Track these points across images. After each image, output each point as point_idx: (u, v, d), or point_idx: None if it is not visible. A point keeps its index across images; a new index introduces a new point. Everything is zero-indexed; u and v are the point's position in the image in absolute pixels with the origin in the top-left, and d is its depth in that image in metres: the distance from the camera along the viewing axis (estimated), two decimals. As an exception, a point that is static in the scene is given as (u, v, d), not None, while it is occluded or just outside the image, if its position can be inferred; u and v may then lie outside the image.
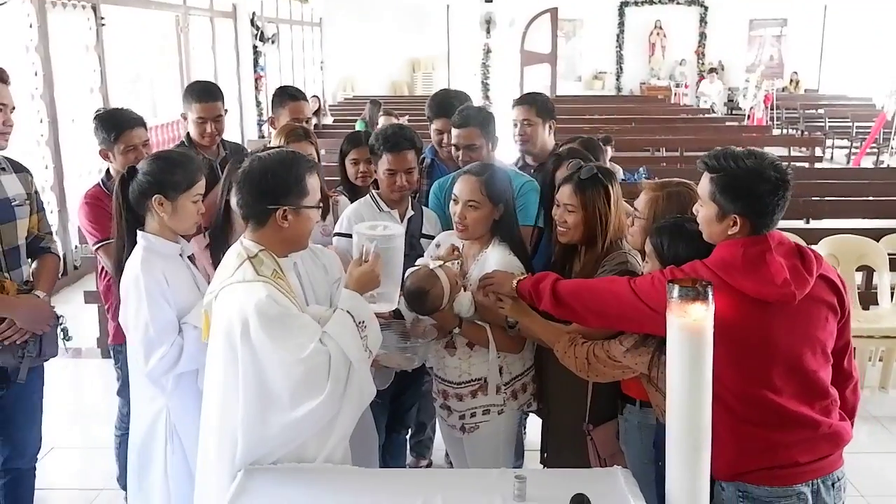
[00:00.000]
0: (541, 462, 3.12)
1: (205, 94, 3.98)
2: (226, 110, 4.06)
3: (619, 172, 7.93)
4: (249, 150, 3.34)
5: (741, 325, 2.13)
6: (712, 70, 20.23)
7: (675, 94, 20.37)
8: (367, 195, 3.38)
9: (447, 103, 3.95)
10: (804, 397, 2.24)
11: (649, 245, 2.48)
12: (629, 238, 2.70)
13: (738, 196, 2.19)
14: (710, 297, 1.95)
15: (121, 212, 2.69)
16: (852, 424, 2.36)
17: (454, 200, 2.91)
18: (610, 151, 7.81)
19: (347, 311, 2.37)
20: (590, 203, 2.76)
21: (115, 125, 3.38)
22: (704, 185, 2.26)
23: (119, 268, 2.71)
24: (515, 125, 3.92)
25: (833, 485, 2.30)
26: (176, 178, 2.64)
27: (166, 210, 2.63)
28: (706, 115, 15.76)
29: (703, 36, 21.17)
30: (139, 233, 2.65)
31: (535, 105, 3.92)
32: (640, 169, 8.60)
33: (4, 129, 2.96)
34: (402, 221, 3.32)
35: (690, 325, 1.98)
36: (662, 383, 2.39)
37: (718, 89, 19.03)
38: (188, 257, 2.76)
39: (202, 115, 3.89)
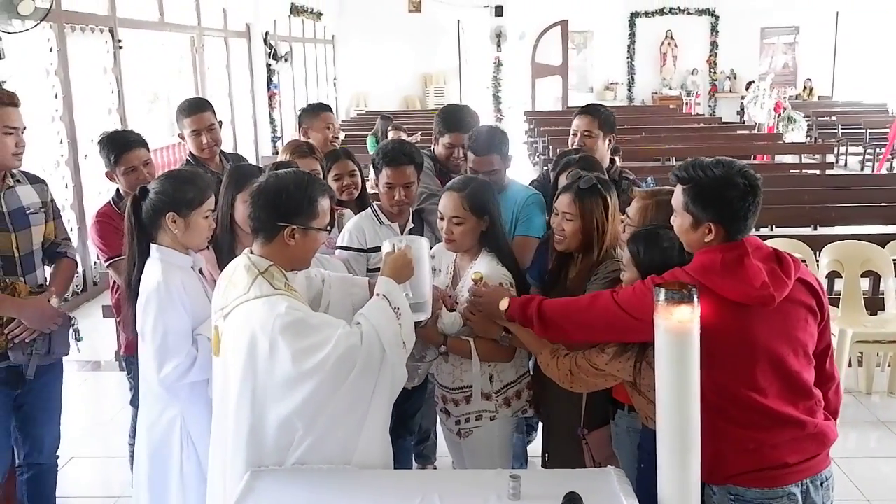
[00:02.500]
0: (542, 465, 3.19)
1: (193, 107, 4.12)
2: (220, 122, 4.17)
3: (628, 182, 7.97)
4: (263, 166, 3.45)
5: (723, 328, 2.18)
6: (748, 84, 19.57)
7: (687, 104, 20.34)
8: (369, 209, 3.48)
9: (459, 117, 4.01)
10: (789, 397, 2.28)
11: (626, 253, 2.54)
12: (622, 245, 2.76)
13: (709, 204, 2.25)
14: (696, 299, 2.02)
15: (132, 229, 2.77)
16: (835, 425, 2.41)
17: (440, 217, 2.98)
18: (618, 161, 7.83)
19: (384, 296, 2.45)
20: (588, 212, 2.83)
21: (116, 146, 3.50)
22: (677, 197, 2.33)
23: (129, 283, 2.79)
24: (575, 134, 3.95)
25: (822, 484, 2.35)
26: (188, 195, 2.71)
27: (179, 227, 2.70)
28: (717, 125, 15.74)
29: (714, 45, 21.14)
30: (153, 246, 2.73)
31: (598, 117, 3.95)
32: (649, 178, 8.60)
33: (17, 150, 3.09)
34: (402, 234, 3.40)
35: (677, 327, 2.03)
36: (646, 388, 2.47)
37: (768, 108, 18.66)
38: (199, 270, 2.84)
39: (195, 126, 4.03)
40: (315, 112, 4.30)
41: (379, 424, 2.41)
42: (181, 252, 2.75)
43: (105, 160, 3.53)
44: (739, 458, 2.28)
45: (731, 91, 21.08)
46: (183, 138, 4.16)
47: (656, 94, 21.42)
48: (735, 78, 21.08)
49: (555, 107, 19.02)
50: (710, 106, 21.09)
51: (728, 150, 11.62)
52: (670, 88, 21.31)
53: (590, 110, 4.01)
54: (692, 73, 21.30)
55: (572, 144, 3.98)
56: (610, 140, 4.00)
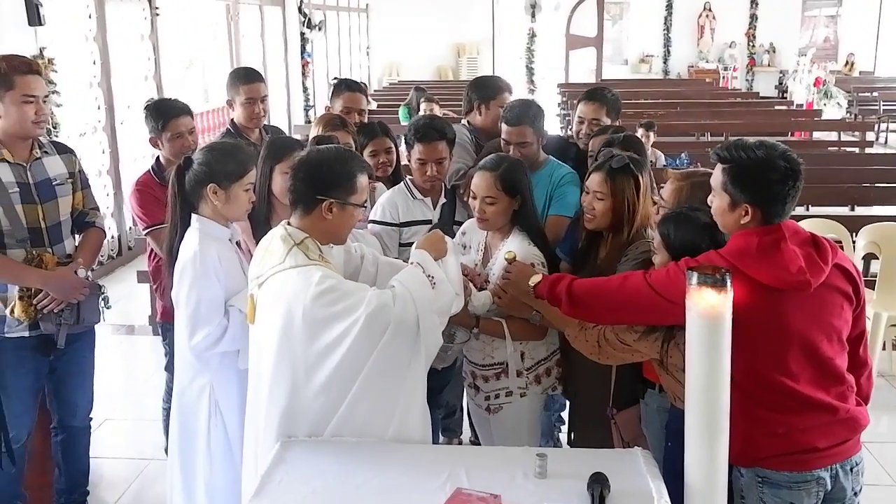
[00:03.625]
0: (567, 443, 3.20)
1: (250, 76, 4.18)
2: (267, 93, 4.22)
3: (661, 158, 7.90)
4: (300, 137, 3.46)
5: (757, 312, 2.16)
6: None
7: (724, 78, 20.01)
8: (402, 183, 3.48)
9: (501, 82, 4.01)
10: (820, 383, 2.26)
11: (657, 236, 2.52)
12: (654, 226, 2.73)
13: (748, 185, 2.23)
14: (729, 283, 2.00)
15: (175, 199, 2.81)
16: (867, 410, 2.38)
17: (472, 196, 2.97)
18: (652, 137, 7.75)
19: (418, 264, 2.47)
20: (619, 191, 2.80)
21: (163, 114, 3.55)
22: (717, 176, 2.30)
23: (171, 251, 2.83)
24: (582, 122, 3.88)
25: (851, 469, 2.33)
26: (229, 167, 2.75)
27: (220, 198, 2.74)
28: (755, 100, 15.48)
29: (753, 18, 20.68)
30: (194, 216, 2.77)
31: (606, 104, 3.89)
32: (683, 154, 8.51)
33: (38, 118, 3.09)
34: (434, 209, 3.43)
35: (709, 310, 2.02)
36: (674, 368, 2.46)
37: (808, 83, 18.19)
38: (236, 243, 2.87)
39: (250, 95, 4.07)
40: (338, 91, 4.27)
41: (417, 396, 2.42)
42: (220, 223, 2.79)
43: (151, 126, 3.57)
44: (769, 442, 2.27)
45: (769, 65, 20.67)
46: (231, 105, 4.18)
47: (692, 67, 21.09)
48: (774, 52, 20.66)
49: (589, 79, 18.82)
50: (747, 80, 20.71)
51: (765, 127, 11.49)
52: (707, 62, 20.96)
53: (597, 97, 3.94)
54: (730, 46, 20.91)
55: (578, 132, 3.92)
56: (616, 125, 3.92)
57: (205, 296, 2.67)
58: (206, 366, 2.79)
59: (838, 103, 13.60)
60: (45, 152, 3.24)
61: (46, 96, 3.17)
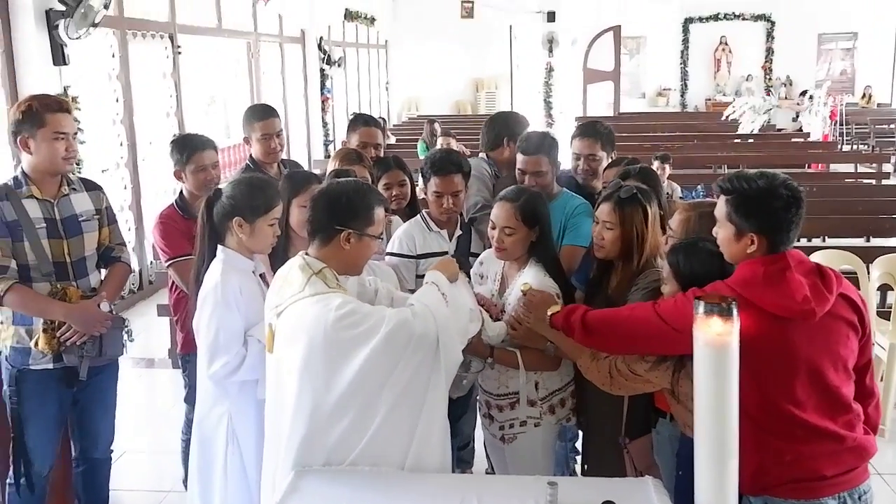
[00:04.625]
0: (581, 473, 3.20)
1: (264, 112, 4.26)
2: (282, 128, 4.31)
3: (677, 190, 7.91)
4: (318, 172, 3.52)
5: (763, 340, 2.19)
6: (802, 93, 19.12)
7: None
8: (418, 216, 3.55)
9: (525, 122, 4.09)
10: (827, 411, 2.28)
11: (666, 266, 2.56)
12: (663, 256, 2.77)
13: (752, 214, 2.27)
14: (735, 312, 2.03)
15: (204, 229, 2.89)
16: (875, 439, 2.39)
17: (491, 226, 3.02)
18: (668, 169, 7.80)
19: (432, 283, 2.52)
20: (627, 221, 2.85)
21: (187, 147, 3.64)
22: (720, 207, 2.34)
23: (198, 280, 2.89)
24: (578, 158, 3.92)
25: (860, 498, 2.33)
26: (255, 202, 2.82)
27: (245, 231, 2.81)
28: (771, 133, 15.49)
29: (769, 51, 20.81)
30: (219, 247, 2.84)
31: (600, 139, 3.92)
32: (699, 187, 8.56)
33: (68, 154, 3.19)
34: (451, 241, 3.48)
35: (716, 339, 2.04)
36: (685, 397, 2.48)
37: (823, 116, 18.08)
38: (259, 275, 2.93)
39: (266, 131, 4.15)
40: (355, 126, 4.34)
41: (437, 419, 2.43)
42: (244, 256, 2.86)
43: (176, 158, 3.65)
44: (777, 470, 2.29)
45: (786, 98, 20.69)
46: (248, 142, 4.28)
47: (710, 100, 21.17)
48: (791, 84, 20.70)
49: (606, 113, 18.88)
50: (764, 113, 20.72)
51: (782, 159, 11.50)
52: (724, 95, 21.02)
53: (589, 132, 3.96)
54: (747, 80, 20.99)
55: (575, 169, 3.96)
56: (612, 157, 3.96)
57: (224, 325, 2.73)
58: (226, 394, 2.84)
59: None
60: (74, 189, 3.32)
61: (75, 134, 3.27)
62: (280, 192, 3.13)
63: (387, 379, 2.33)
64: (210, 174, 3.63)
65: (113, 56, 7.83)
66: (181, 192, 3.74)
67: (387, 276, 3.05)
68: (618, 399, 2.81)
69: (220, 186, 2.94)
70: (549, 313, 2.72)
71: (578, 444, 3.25)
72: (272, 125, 4.19)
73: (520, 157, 3.61)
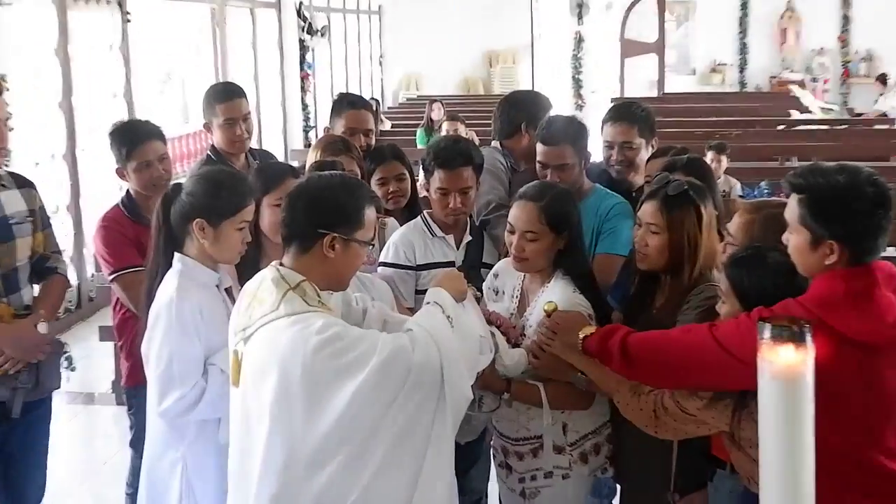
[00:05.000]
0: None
1: (227, 92, 4.27)
2: (250, 111, 4.32)
3: (736, 187, 7.94)
4: (296, 164, 3.51)
5: (845, 374, 2.17)
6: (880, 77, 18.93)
7: (813, 91, 20.03)
8: (419, 217, 3.53)
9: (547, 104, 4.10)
10: (927, 462, 2.25)
11: (725, 281, 2.54)
12: (720, 267, 2.74)
13: (831, 218, 2.25)
14: (810, 338, 2.00)
15: (159, 232, 2.88)
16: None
17: (509, 230, 3.00)
18: (724, 161, 7.85)
19: (435, 303, 2.51)
20: (677, 224, 2.83)
21: (128, 140, 3.62)
22: (792, 209, 2.33)
23: (150, 296, 2.87)
24: (611, 147, 3.92)
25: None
26: (221, 201, 2.80)
27: (208, 236, 2.79)
28: (849, 117, 15.48)
29: (846, 19, 20.77)
30: (176, 255, 2.82)
31: (636, 123, 3.90)
32: (762, 183, 8.55)
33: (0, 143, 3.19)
34: (458, 248, 3.48)
35: (786, 372, 2.02)
36: (748, 443, 2.45)
37: None
38: (225, 290, 2.91)
39: (229, 115, 4.15)
40: (340, 109, 4.34)
41: (443, 468, 2.41)
42: (207, 266, 2.84)
43: (116, 154, 3.64)
44: (861, 533, 2.26)
45: (866, 75, 20.66)
46: (209, 129, 4.29)
47: (774, 78, 21.15)
48: (872, 59, 20.66)
49: (648, 92, 18.90)
50: (840, 94, 20.72)
51: (862, 150, 11.47)
52: (791, 72, 21.00)
53: (624, 115, 3.95)
54: (819, 54, 20.96)
55: (607, 160, 3.95)
56: (652, 146, 3.94)
57: (179, 352, 2.71)
58: (181, 437, 2.81)
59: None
60: (3, 185, 3.32)
61: (6, 119, 3.27)
62: (251, 190, 3.11)
63: (380, 421, 2.30)
64: (157, 170, 3.61)
65: (49, 26, 7.83)
66: (128, 190, 3.73)
67: (380, 293, 3.04)
68: (665, 445, 2.78)
69: (179, 181, 2.92)
70: (580, 336, 2.70)
71: (616, 501, 3.22)
72: (237, 107, 4.19)
73: (539, 148, 3.60)
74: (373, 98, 13.67)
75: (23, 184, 3.43)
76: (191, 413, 2.75)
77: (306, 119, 14.90)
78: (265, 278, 2.46)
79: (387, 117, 14.28)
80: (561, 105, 14.46)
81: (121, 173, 3.68)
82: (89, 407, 6.14)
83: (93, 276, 8.16)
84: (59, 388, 3.43)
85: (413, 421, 2.34)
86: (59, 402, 5.55)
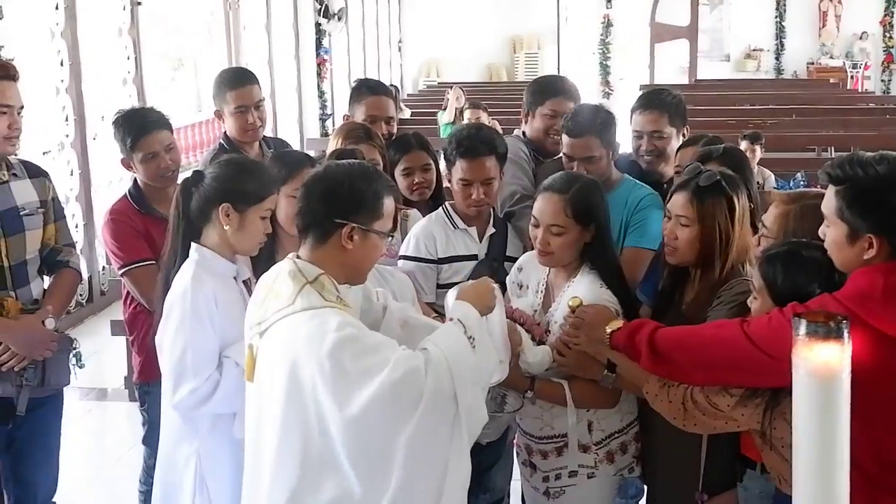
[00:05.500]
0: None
1: (239, 78, 4.27)
2: (263, 98, 4.32)
3: (771, 178, 7.91)
4: (314, 154, 3.52)
5: (883, 372, 2.17)
6: None
7: (853, 78, 19.88)
8: (440, 209, 3.55)
9: (560, 82, 4.08)
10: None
11: (758, 277, 2.54)
12: (754, 262, 2.73)
13: (871, 210, 2.25)
14: (847, 334, 2.01)
15: (178, 220, 2.91)
16: None
17: (534, 223, 3.01)
18: (759, 151, 7.82)
19: (458, 321, 2.47)
20: (708, 216, 2.82)
21: (133, 129, 3.61)
22: (829, 201, 2.32)
23: (166, 287, 2.90)
24: (640, 136, 3.91)
25: None
26: (249, 187, 2.84)
27: (232, 222, 2.81)
28: (893, 105, 15.35)
29: (890, 1, 20.60)
30: (193, 245, 2.84)
31: (667, 111, 3.88)
32: (798, 174, 8.52)
33: (11, 133, 3.22)
34: (480, 241, 3.49)
35: (822, 369, 2.02)
36: (780, 443, 2.46)
37: None
38: (243, 282, 2.93)
39: (241, 102, 4.16)
40: (360, 95, 4.33)
41: (457, 487, 2.40)
42: (225, 257, 2.87)
43: (121, 145, 3.65)
44: (897, 537, 2.27)
45: (910, 61, 20.52)
46: (220, 116, 4.31)
47: (813, 64, 21.00)
48: (918, 44, 20.50)
49: (679, 79, 18.85)
50: (883, 81, 20.55)
51: (906, 139, 11.37)
52: (831, 57, 20.85)
53: (654, 103, 3.92)
54: (861, 38, 20.78)
55: (637, 150, 3.94)
56: (683, 134, 3.93)
57: (193, 343, 2.74)
58: (195, 430, 2.84)
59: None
60: (14, 175, 3.35)
61: (21, 108, 3.29)
62: (275, 179, 3.12)
63: (392, 440, 2.29)
64: (164, 160, 3.62)
65: (56, 8, 7.86)
66: (135, 179, 3.75)
67: (400, 286, 3.06)
68: (693, 443, 2.79)
69: (199, 169, 2.94)
70: (608, 331, 2.71)
71: (643, 502, 3.23)
72: (249, 94, 4.20)
73: (565, 140, 3.59)
74: (392, 85, 13.69)
75: (36, 173, 3.45)
76: (204, 406, 2.77)
77: (323, 107, 14.91)
78: (282, 271, 2.47)
79: (406, 105, 14.28)
80: (588, 93, 14.41)
81: (127, 164, 3.69)
82: (102, 403, 6.18)
83: (104, 268, 8.21)
84: (67, 384, 3.46)
85: (429, 448, 2.33)
86: (72, 398, 5.65)
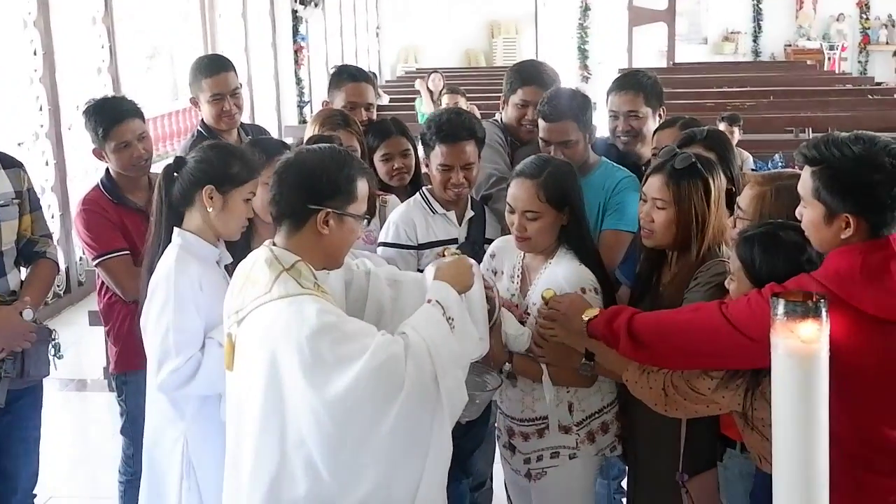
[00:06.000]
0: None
1: (214, 65, 4.25)
2: (240, 84, 4.31)
3: (749, 160, 7.91)
4: (291, 141, 3.50)
5: (861, 351, 2.17)
6: None
7: (830, 60, 19.95)
8: (418, 194, 3.53)
9: (536, 70, 4.06)
10: (943, 441, 2.26)
11: (735, 259, 2.53)
12: (731, 243, 2.73)
13: (847, 190, 2.24)
14: (825, 314, 2.01)
15: (161, 205, 2.90)
16: None
17: (509, 210, 3.00)
18: (737, 133, 7.83)
19: (437, 302, 2.48)
20: (684, 199, 2.80)
21: (104, 119, 3.58)
22: (805, 182, 2.32)
23: (150, 271, 2.90)
24: (616, 117, 3.91)
25: None
26: (233, 169, 2.85)
27: (216, 204, 2.83)
28: (869, 86, 15.41)
29: (867, -17, 20.70)
30: (176, 230, 2.85)
31: (643, 91, 3.88)
32: (776, 156, 8.54)
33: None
34: (460, 225, 3.48)
35: (801, 349, 2.02)
36: (760, 423, 2.46)
37: None
38: (225, 267, 2.92)
39: (217, 90, 4.15)
40: (339, 82, 4.30)
41: (439, 469, 2.42)
42: (208, 241, 2.88)
43: (92, 135, 3.62)
44: (878, 514, 2.28)
45: (887, 43, 20.58)
46: (196, 104, 4.29)
47: (790, 46, 21.06)
48: (893, 26, 20.55)
49: (658, 63, 18.84)
50: (860, 62, 20.64)
51: (884, 121, 11.41)
52: (808, 39, 20.92)
53: (630, 83, 3.93)
54: (837, 20, 20.86)
55: (613, 131, 3.94)
56: (659, 115, 3.94)
57: (176, 324, 2.74)
58: (181, 413, 2.84)
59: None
60: None
61: None
62: (258, 163, 3.10)
63: (373, 427, 2.30)
64: (137, 150, 3.59)
65: (28, -4, 7.79)
66: (107, 169, 3.71)
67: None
68: (674, 423, 2.79)
69: (180, 156, 2.94)
70: (584, 319, 2.71)
71: (624, 483, 3.24)
72: (225, 82, 4.18)
73: (542, 124, 3.58)
74: (370, 71, 13.61)
75: (10, 164, 3.42)
76: (188, 387, 2.77)
77: (300, 94, 14.85)
78: (258, 259, 2.46)
79: (384, 91, 14.23)
80: (567, 77, 14.41)
81: (98, 154, 3.66)
82: (82, 393, 6.17)
83: (81, 258, 8.16)
84: (47, 375, 3.44)
85: (410, 432, 2.33)
86: (52, 389, 5.61)
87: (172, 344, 2.74)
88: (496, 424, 3.25)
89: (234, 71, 4.30)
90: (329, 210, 2.43)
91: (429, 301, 2.51)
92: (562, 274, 2.94)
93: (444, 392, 2.36)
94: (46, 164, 8.02)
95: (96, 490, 4.79)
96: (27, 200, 3.43)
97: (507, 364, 2.95)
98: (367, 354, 2.27)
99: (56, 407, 5.67)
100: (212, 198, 2.82)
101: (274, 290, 2.36)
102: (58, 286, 7.80)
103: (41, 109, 7.97)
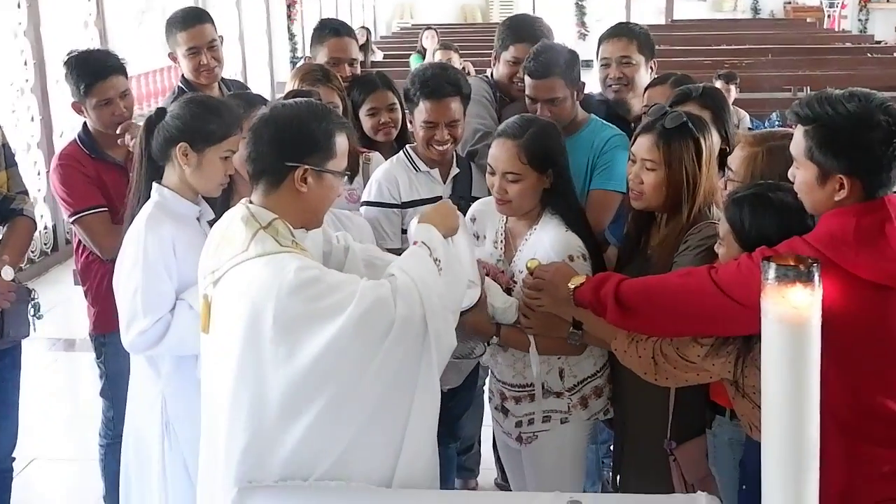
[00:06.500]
0: (613, 486, 3.18)
1: (189, 18, 4.20)
2: (220, 37, 4.25)
3: (745, 119, 7.89)
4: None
5: (855, 316, 2.13)
6: None
7: (830, 17, 19.89)
8: (401, 152, 3.47)
9: (527, 25, 4.01)
10: (939, 409, 2.24)
11: (724, 222, 2.50)
12: (721, 205, 2.70)
13: (841, 150, 2.19)
14: (818, 278, 1.97)
15: (142, 159, 2.87)
16: None
17: (490, 171, 2.94)
18: (734, 91, 7.79)
19: (423, 243, 2.46)
20: (675, 159, 2.75)
21: (87, 73, 3.52)
22: (798, 141, 2.27)
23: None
24: (608, 65, 3.86)
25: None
26: (209, 126, 2.80)
27: (190, 162, 2.79)
28: (869, 45, 15.36)
29: (868, -63, 20.58)
30: (154, 185, 2.83)
31: (636, 39, 3.85)
32: (773, 115, 8.50)
33: None
34: (445, 182, 3.43)
35: (792, 315, 1.98)
36: (751, 390, 2.45)
37: None
38: (208, 222, 2.88)
39: (192, 43, 4.10)
40: (322, 37, 4.23)
41: (427, 423, 2.41)
42: (186, 198, 2.84)
43: (73, 88, 3.57)
44: (871, 485, 2.26)
45: (888, 1, 20.46)
46: (175, 59, 4.24)
47: (790, 3, 21.01)
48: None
49: (656, 20, 18.77)
50: (860, 20, 20.56)
51: (883, 80, 11.37)
52: (808, -4, 20.87)
53: (622, 31, 3.91)
54: (838, -24, 20.77)
55: (604, 80, 3.89)
56: (651, 68, 3.90)
57: (144, 285, 2.72)
58: (157, 373, 2.84)
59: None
60: None
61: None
62: (238, 119, 3.05)
63: (360, 374, 2.27)
64: (118, 108, 3.53)
65: (12, -53, 7.72)
66: (85, 124, 3.66)
67: (359, 232, 3.01)
68: (662, 391, 2.76)
69: (162, 106, 2.90)
70: (570, 287, 2.66)
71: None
72: (200, 34, 4.12)
73: (528, 81, 3.53)
74: (363, 27, 13.53)
75: None
76: (156, 348, 2.77)
77: (293, 50, 14.79)
78: (234, 217, 2.43)
79: (379, 47, 14.15)
80: (563, 34, 14.29)
81: (78, 108, 3.60)
82: (70, 353, 6.14)
83: (68, 217, 8.13)
84: (27, 335, 3.41)
85: (398, 374, 2.31)
86: (40, 349, 5.62)
87: (140, 305, 2.72)
88: (490, 387, 3.21)
89: (212, 23, 4.24)
90: (307, 167, 2.39)
91: (414, 243, 2.49)
92: (548, 241, 2.89)
93: (432, 333, 2.33)
94: (32, 119, 7.96)
95: (83, 451, 4.72)
96: (2, 156, 3.38)
97: (494, 337, 2.90)
98: (355, 300, 2.24)
99: (44, 366, 5.71)
100: (186, 155, 2.78)
101: (251, 248, 2.32)
102: (45, 244, 7.83)
103: (25, 64, 7.90)
